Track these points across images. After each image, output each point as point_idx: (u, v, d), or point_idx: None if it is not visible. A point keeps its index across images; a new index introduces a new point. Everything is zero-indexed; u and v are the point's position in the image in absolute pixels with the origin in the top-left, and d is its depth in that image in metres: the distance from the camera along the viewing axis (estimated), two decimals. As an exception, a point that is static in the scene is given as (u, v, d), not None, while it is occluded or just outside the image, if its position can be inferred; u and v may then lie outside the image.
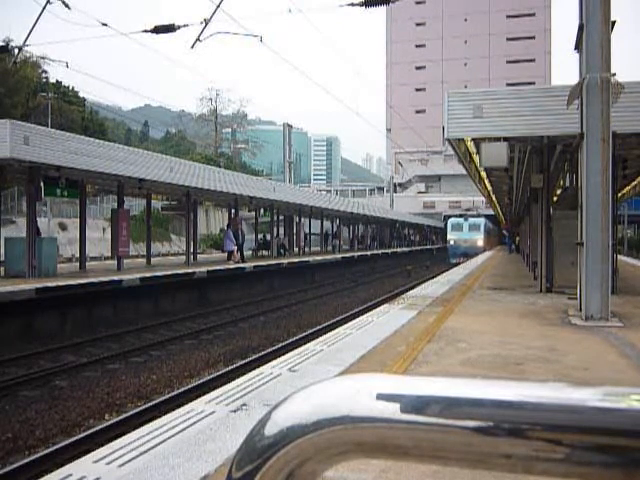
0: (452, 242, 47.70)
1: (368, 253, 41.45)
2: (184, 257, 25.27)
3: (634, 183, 20.56)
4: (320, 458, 0.53)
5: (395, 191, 67.01)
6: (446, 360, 6.06)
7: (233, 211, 28.42)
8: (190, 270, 19.59)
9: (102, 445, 4.03)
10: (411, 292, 13.23)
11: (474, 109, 11.18)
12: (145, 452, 3.53)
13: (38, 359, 11.72)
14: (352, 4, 12.52)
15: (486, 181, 22.83)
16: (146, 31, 13.38)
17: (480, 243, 46.57)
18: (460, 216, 50.36)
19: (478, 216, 49.74)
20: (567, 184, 16.64)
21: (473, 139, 12.61)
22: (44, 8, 13.24)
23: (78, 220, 21.36)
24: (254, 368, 6.65)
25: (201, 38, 13.07)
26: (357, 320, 9.06)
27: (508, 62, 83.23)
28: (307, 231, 39.35)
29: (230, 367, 10.88)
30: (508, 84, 67.95)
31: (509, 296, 12.22)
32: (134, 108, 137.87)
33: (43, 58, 40.10)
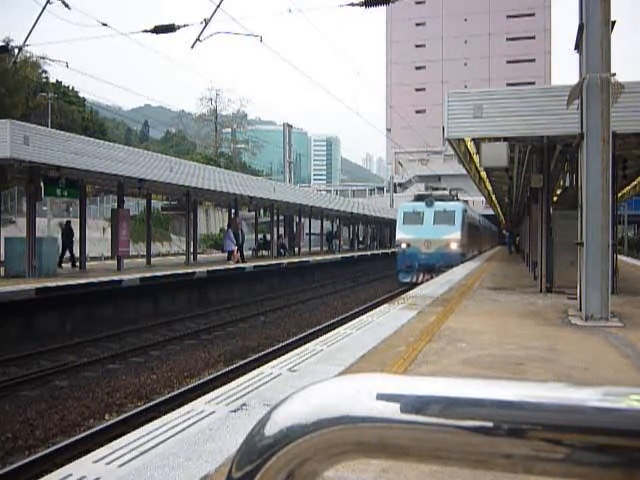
0: (404, 245, 26.74)
1: (368, 253, 41.46)
2: (184, 257, 25.28)
3: (634, 183, 20.57)
4: (320, 458, 0.53)
5: (395, 191, 66.97)
6: (446, 360, 6.05)
7: (233, 211, 28.44)
8: (190, 270, 19.59)
9: (102, 445, 4.03)
10: (411, 292, 13.22)
11: (474, 109, 11.18)
12: (145, 452, 3.53)
13: (38, 359, 11.71)
14: (352, 4, 12.51)
15: (486, 181, 22.83)
16: (146, 31, 13.37)
17: (455, 246, 26.02)
18: (420, 199, 28.75)
19: (452, 198, 29.23)
20: (567, 184, 16.64)
21: (473, 139, 12.61)
22: (44, 8, 13.24)
23: (78, 220, 21.39)
24: (254, 368, 6.65)
25: (201, 38, 13.06)
26: (357, 320, 9.05)
27: (508, 62, 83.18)
28: (307, 231, 39.36)
29: (230, 367, 10.89)
30: (508, 84, 67.94)
31: (509, 296, 12.22)
32: (134, 108, 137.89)
33: (43, 58, 40.06)
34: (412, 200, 29.64)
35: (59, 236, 21.60)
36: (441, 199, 28.13)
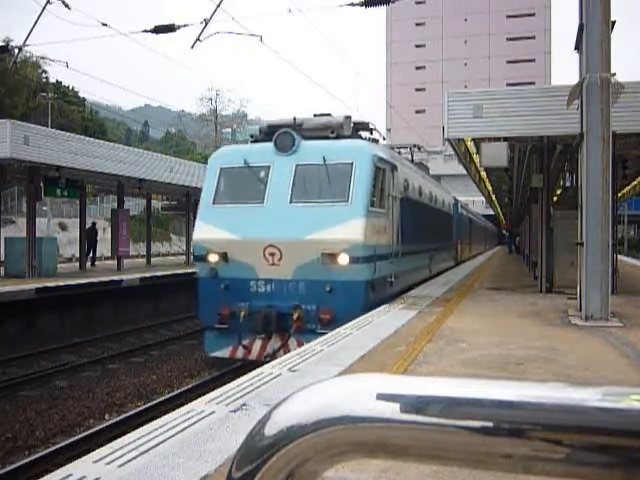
0: (213, 259, 9.85)
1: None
2: (184, 257, 25.27)
3: (634, 183, 20.56)
4: (320, 458, 0.53)
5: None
6: (446, 360, 6.05)
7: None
8: (190, 270, 19.58)
9: (102, 445, 4.03)
10: (411, 292, 13.21)
11: (474, 109, 11.17)
12: (145, 452, 3.53)
13: (38, 359, 11.71)
14: (352, 4, 12.50)
15: (486, 181, 22.83)
16: (146, 31, 13.37)
17: (346, 261, 9.39)
18: (267, 135, 10.61)
19: (354, 134, 11.00)
20: (567, 184, 16.64)
21: (473, 139, 12.60)
22: (44, 8, 13.23)
23: (78, 220, 21.42)
24: (254, 368, 6.65)
25: (201, 38, 13.05)
26: (357, 320, 9.04)
27: (508, 62, 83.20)
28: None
29: (230, 367, 10.88)
30: (508, 84, 67.91)
31: (509, 296, 12.21)
32: (134, 108, 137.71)
33: (43, 58, 40.10)
34: (249, 140, 11.82)
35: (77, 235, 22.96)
36: (322, 135, 10.69)
